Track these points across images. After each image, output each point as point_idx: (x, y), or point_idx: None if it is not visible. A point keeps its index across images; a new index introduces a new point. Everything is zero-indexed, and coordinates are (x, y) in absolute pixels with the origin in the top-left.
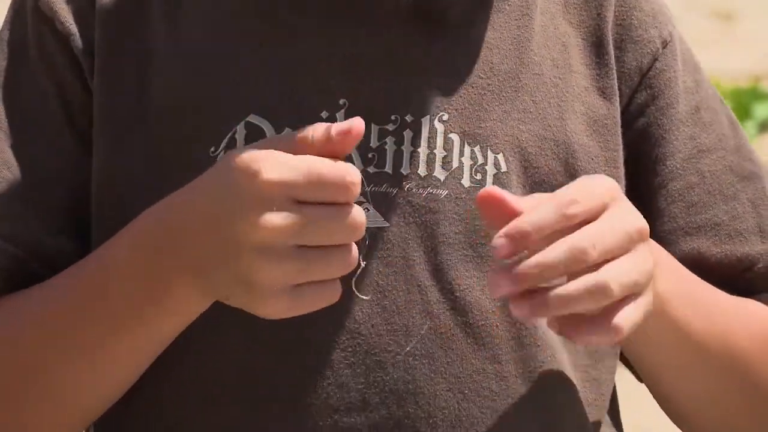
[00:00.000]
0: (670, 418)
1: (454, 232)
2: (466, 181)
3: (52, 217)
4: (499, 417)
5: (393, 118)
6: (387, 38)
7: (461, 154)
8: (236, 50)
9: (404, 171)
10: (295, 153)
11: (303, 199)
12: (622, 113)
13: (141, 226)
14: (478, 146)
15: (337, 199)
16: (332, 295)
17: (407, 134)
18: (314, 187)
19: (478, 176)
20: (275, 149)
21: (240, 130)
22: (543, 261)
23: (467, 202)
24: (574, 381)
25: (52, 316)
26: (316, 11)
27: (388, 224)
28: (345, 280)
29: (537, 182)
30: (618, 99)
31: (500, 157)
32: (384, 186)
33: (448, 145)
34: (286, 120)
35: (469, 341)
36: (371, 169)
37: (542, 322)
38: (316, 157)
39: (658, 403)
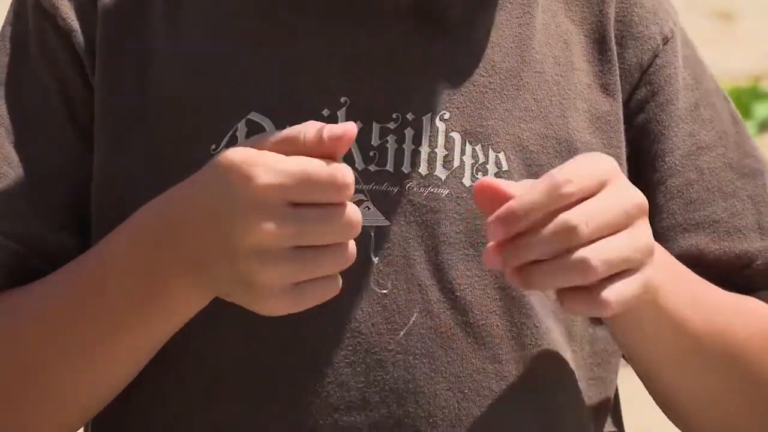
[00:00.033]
0: (670, 418)
1: (455, 231)
2: (467, 180)
3: (53, 214)
4: (499, 417)
5: (394, 116)
6: (387, 38)
7: (462, 152)
8: (236, 50)
9: (405, 170)
10: (287, 153)
11: (297, 201)
12: (623, 109)
13: (140, 221)
14: (480, 145)
15: (330, 200)
16: (332, 290)
17: (408, 133)
18: (307, 189)
19: (480, 175)
20: (269, 149)
21: (241, 128)
22: (533, 238)
23: (468, 201)
24: (577, 380)
25: (51, 313)
26: (316, 11)
27: (388, 223)
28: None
29: None
30: (620, 95)
31: (501, 155)
32: (385, 185)
33: (449, 143)
34: (287, 118)
35: (469, 341)
36: (372, 168)
37: (543, 317)
38: (308, 158)
39: (656, 403)
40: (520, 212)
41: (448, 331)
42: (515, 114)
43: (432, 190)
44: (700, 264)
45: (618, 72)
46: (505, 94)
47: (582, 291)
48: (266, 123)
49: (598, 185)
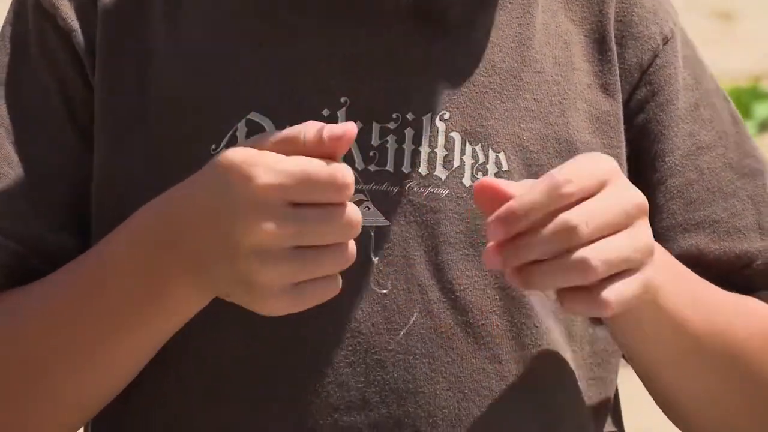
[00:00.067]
0: (670, 418)
1: (455, 231)
2: (467, 180)
3: (53, 214)
4: (499, 417)
5: (394, 116)
6: (387, 38)
7: (462, 152)
8: (236, 50)
9: (405, 170)
10: (287, 153)
11: (297, 201)
12: (623, 110)
13: (140, 221)
14: (480, 145)
15: (330, 200)
16: (332, 290)
17: (408, 133)
18: (307, 189)
19: (480, 175)
20: (269, 149)
21: (241, 128)
22: (533, 238)
23: (468, 201)
24: (577, 380)
25: (51, 313)
26: (316, 11)
27: (388, 223)
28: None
29: None
30: (620, 95)
31: (501, 155)
32: (385, 185)
33: (449, 143)
34: (287, 118)
35: (469, 341)
36: (372, 168)
37: (543, 317)
38: (308, 158)
39: (656, 403)
40: (520, 212)
41: (448, 331)
42: (515, 114)
43: (432, 190)
44: (700, 264)
45: (618, 72)
46: (505, 94)
47: (582, 291)
48: (266, 123)
49: (599, 185)
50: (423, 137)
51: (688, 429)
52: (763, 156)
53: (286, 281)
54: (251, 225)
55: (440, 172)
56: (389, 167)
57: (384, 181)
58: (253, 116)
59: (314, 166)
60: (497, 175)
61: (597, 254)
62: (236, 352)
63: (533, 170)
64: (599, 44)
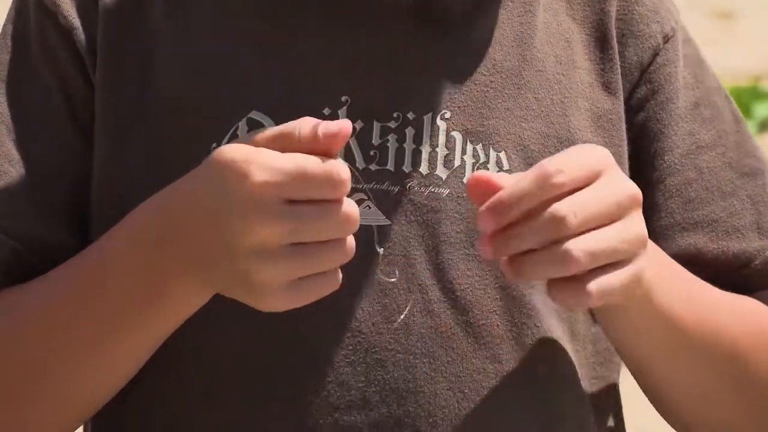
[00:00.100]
0: (662, 414)
1: (456, 231)
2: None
3: (53, 212)
4: (500, 416)
5: (395, 115)
6: (387, 38)
7: (463, 152)
8: (236, 50)
9: (406, 169)
10: (283, 149)
11: (294, 198)
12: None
13: (139, 218)
14: (481, 144)
15: (327, 197)
16: (332, 285)
17: (409, 132)
18: (303, 186)
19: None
20: (264, 145)
21: (242, 127)
22: (517, 229)
23: (469, 201)
24: (580, 379)
25: (51, 311)
26: (316, 11)
27: (389, 222)
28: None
29: None
30: (622, 94)
31: (502, 155)
32: (386, 184)
33: (450, 143)
34: (288, 117)
35: (469, 340)
36: (373, 167)
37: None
38: (304, 155)
39: (648, 399)
40: (511, 201)
41: (449, 331)
42: (516, 113)
43: (433, 189)
44: (699, 263)
45: (619, 70)
46: (506, 93)
47: (567, 281)
48: (267, 122)
49: (591, 176)
50: (424, 136)
51: (680, 426)
52: (763, 155)
53: (285, 278)
54: (248, 224)
55: (441, 172)
56: (390, 166)
57: (385, 181)
58: (254, 115)
59: (310, 163)
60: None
61: (580, 245)
62: (236, 352)
63: None
64: (600, 42)
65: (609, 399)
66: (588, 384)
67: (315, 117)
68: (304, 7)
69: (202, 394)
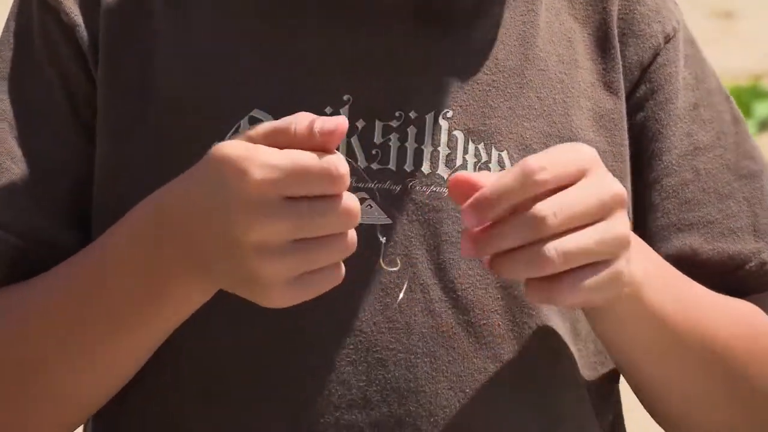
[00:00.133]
0: (659, 423)
1: (457, 230)
2: None
3: (55, 209)
4: (500, 416)
5: (397, 114)
6: (387, 38)
7: (465, 151)
8: (236, 50)
9: (408, 168)
10: (279, 144)
11: (293, 194)
12: None
13: (139, 216)
14: (483, 143)
15: (326, 192)
16: (335, 279)
17: (411, 131)
18: (302, 182)
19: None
20: (260, 140)
21: (244, 125)
22: (499, 228)
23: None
24: (581, 379)
25: (51, 312)
26: (316, 11)
27: (390, 221)
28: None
29: None
30: (624, 93)
31: (504, 154)
32: (387, 183)
33: (452, 142)
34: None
35: (470, 340)
36: (375, 166)
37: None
38: (302, 152)
39: (645, 408)
40: (492, 197)
41: (450, 331)
42: (518, 112)
43: (434, 188)
44: (694, 264)
45: (621, 70)
46: (508, 93)
47: (542, 281)
48: (269, 120)
49: (576, 174)
50: (426, 136)
51: (672, 428)
52: (762, 158)
53: (288, 274)
54: (249, 222)
55: (443, 171)
56: (392, 165)
57: (386, 180)
58: (256, 113)
59: (308, 159)
60: None
61: (557, 246)
62: (236, 351)
63: None
64: (602, 42)
65: (609, 399)
66: (589, 383)
67: (315, 115)
68: (304, 7)
69: (201, 394)
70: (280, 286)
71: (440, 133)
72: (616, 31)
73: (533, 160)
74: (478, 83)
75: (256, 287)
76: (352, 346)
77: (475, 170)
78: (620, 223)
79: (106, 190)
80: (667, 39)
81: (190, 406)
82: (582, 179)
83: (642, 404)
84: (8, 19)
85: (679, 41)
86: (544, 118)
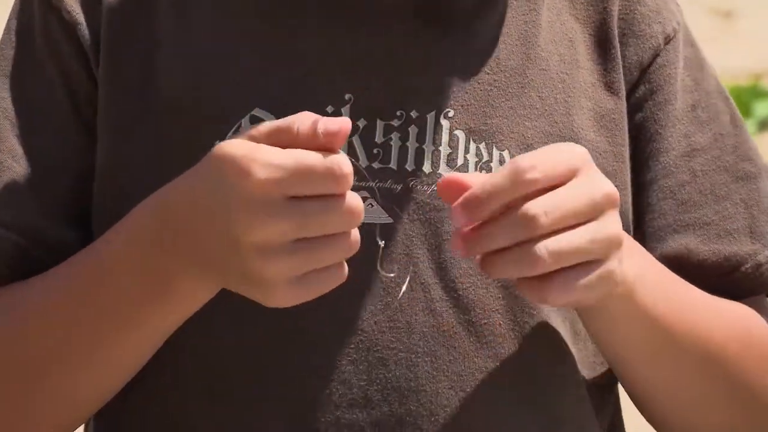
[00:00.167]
0: (654, 426)
1: None
2: None
3: (57, 207)
4: (501, 416)
5: (398, 113)
6: (387, 38)
7: (466, 151)
8: (236, 50)
9: (409, 167)
10: (282, 143)
11: (296, 194)
12: None
13: (139, 216)
14: (484, 143)
15: (329, 191)
16: (338, 279)
17: (412, 130)
18: (305, 182)
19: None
20: (263, 140)
21: (245, 124)
22: (489, 227)
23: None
24: (581, 379)
25: (51, 311)
26: (316, 11)
27: (392, 220)
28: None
29: None
30: (624, 93)
31: (506, 153)
32: (389, 182)
33: (453, 141)
34: (291, 115)
35: (471, 339)
36: (376, 165)
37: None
38: (304, 151)
39: (640, 411)
40: (483, 196)
41: (451, 330)
42: (520, 112)
43: (435, 188)
44: (689, 265)
45: (621, 70)
46: (510, 92)
47: (533, 280)
48: (270, 120)
49: (567, 173)
50: (427, 135)
51: (660, 426)
52: (760, 160)
53: (290, 274)
54: (252, 222)
55: (444, 170)
56: (393, 165)
57: (388, 179)
58: (257, 112)
59: (311, 158)
60: None
61: (547, 246)
62: (237, 350)
63: None
64: (603, 42)
65: (609, 399)
66: (589, 383)
67: (318, 114)
68: (304, 7)
69: (203, 393)
70: (283, 286)
71: (441, 133)
72: (616, 32)
73: (523, 159)
74: (479, 83)
75: (260, 287)
76: (353, 346)
77: (476, 170)
78: (612, 223)
79: (107, 188)
80: (667, 40)
81: (192, 405)
82: (573, 179)
83: (640, 412)
84: (10, 18)
85: (679, 42)
86: (545, 117)
